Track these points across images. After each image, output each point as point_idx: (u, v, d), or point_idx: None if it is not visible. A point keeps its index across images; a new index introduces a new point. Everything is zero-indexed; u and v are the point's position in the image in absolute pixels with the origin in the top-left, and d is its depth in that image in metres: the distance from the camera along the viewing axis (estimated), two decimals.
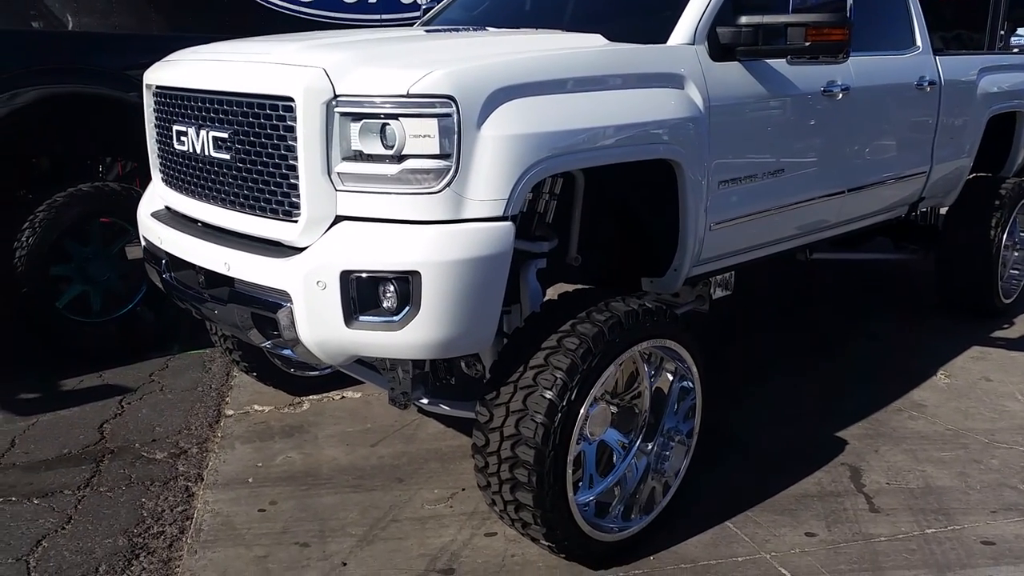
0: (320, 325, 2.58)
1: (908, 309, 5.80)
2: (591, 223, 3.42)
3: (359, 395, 4.41)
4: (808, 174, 3.83)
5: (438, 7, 4.75)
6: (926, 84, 4.56)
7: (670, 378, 3.23)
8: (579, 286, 3.23)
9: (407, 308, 2.51)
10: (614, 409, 3.11)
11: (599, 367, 2.75)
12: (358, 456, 3.81)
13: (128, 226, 4.74)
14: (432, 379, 3.29)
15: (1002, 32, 7.21)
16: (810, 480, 3.59)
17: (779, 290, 6.29)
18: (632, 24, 3.66)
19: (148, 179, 3.46)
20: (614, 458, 3.23)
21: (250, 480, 3.61)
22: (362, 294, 2.53)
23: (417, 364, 3.19)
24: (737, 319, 5.54)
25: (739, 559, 3.06)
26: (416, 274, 2.47)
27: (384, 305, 2.55)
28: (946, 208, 5.45)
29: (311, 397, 4.40)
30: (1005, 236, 5.38)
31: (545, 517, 2.75)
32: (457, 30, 3.70)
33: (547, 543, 2.86)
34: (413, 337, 2.53)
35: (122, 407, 4.33)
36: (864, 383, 4.55)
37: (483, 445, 2.79)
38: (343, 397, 4.42)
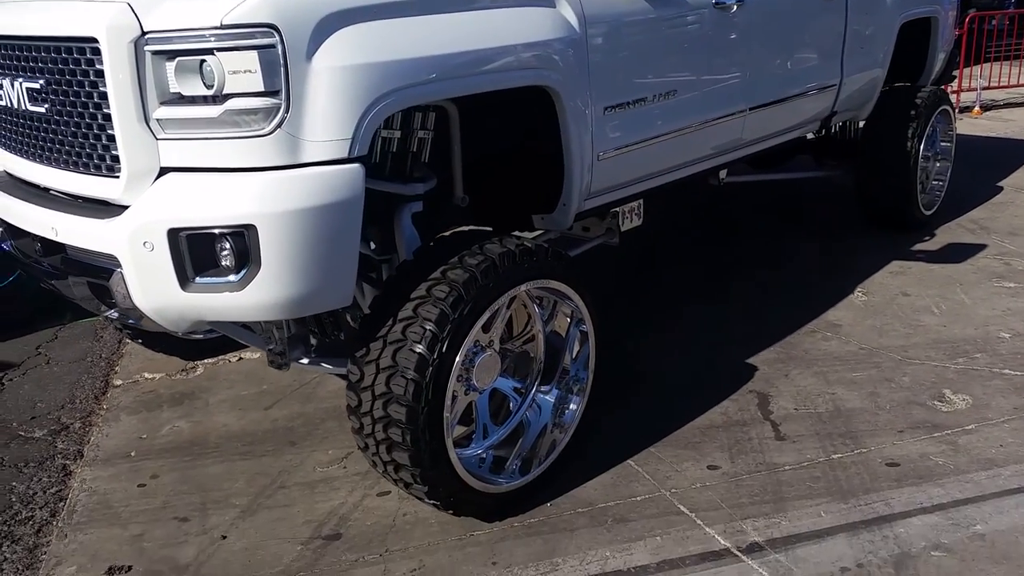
0: (154, 291, 2.35)
1: (829, 228, 5.69)
2: (474, 160, 3.19)
3: (257, 355, 4.19)
4: (704, 94, 3.63)
5: None
6: None
7: (567, 321, 3.07)
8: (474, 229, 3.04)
9: (246, 266, 2.29)
10: (509, 354, 2.95)
11: (473, 314, 2.57)
12: (250, 421, 3.61)
13: None
14: (319, 336, 3.09)
15: None
16: (716, 411, 3.49)
17: (693, 217, 6.14)
18: None
19: None
20: (510, 405, 3.09)
21: (132, 454, 3.41)
22: (195, 253, 2.30)
23: (295, 322, 2.98)
24: (650, 249, 5.39)
25: (638, 499, 2.95)
26: (251, 228, 2.24)
27: (222, 264, 2.32)
28: (863, 121, 5.31)
29: (206, 361, 4.18)
30: (923, 146, 5.27)
31: (425, 476, 2.60)
32: None
33: (432, 501, 2.71)
34: (257, 298, 2.32)
35: (2, 384, 4.06)
36: (778, 307, 4.45)
37: (356, 406, 2.61)
38: (240, 359, 4.20)
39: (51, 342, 4.51)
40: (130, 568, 2.74)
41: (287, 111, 2.23)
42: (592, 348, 3.07)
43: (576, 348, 3.09)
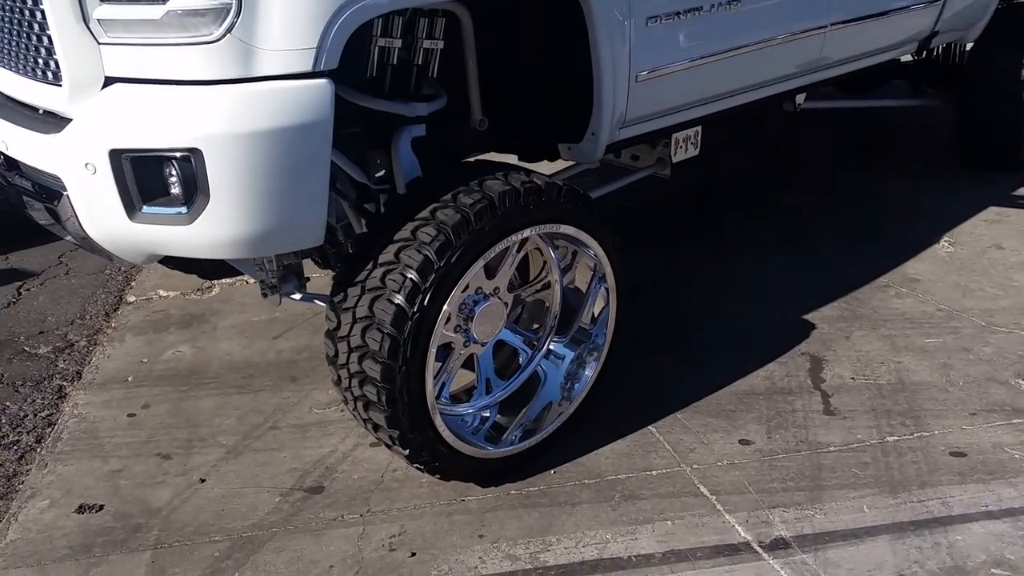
0: (101, 219, 2.08)
1: (919, 166, 5.05)
2: (495, 77, 2.78)
3: None
4: (775, 5, 3.10)
5: None
6: None
7: (590, 274, 2.70)
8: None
9: (195, 197, 1.99)
10: (522, 303, 2.62)
11: (463, 262, 2.22)
12: (255, 351, 3.40)
13: None
14: (323, 266, 2.82)
15: None
16: (760, 374, 3.09)
17: (760, 147, 5.52)
18: None
19: None
20: (520, 360, 2.77)
21: (129, 379, 3.24)
22: (142, 178, 2.01)
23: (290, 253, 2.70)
24: (707, 184, 4.87)
25: (653, 473, 2.62)
26: (197, 153, 1.93)
27: (173, 192, 2.03)
28: (970, 44, 4.61)
29: (224, 281, 3.97)
30: None
31: (404, 439, 2.32)
32: None
33: (416, 465, 2.44)
34: (208, 234, 2.02)
35: (19, 294, 3.95)
36: (850, 254, 3.94)
37: (333, 356, 2.33)
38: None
39: (74, 251, 4.36)
40: (101, 508, 2.58)
41: (238, 13, 1.87)
42: (613, 308, 2.69)
43: (598, 306, 2.72)
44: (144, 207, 2.04)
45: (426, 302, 2.17)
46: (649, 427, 2.82)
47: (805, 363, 3.16)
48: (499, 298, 2.52)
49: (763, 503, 2.48)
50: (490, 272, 2.48)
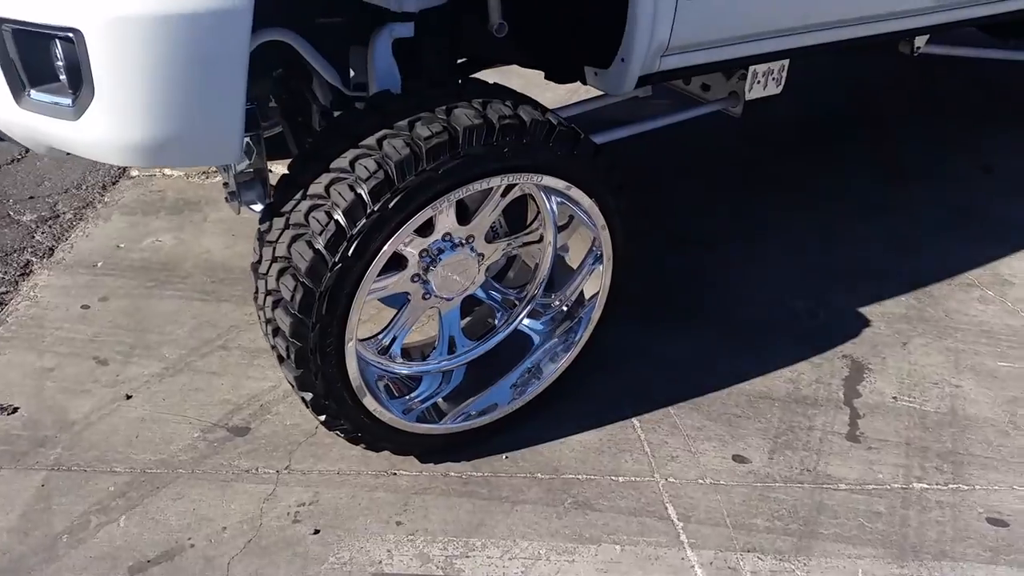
0: None
1: None
2: None
3: None
4: None
5: None
6: None
7: (587, 247, 2.26)
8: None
9: (81, 88, 1.63)
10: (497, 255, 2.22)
11: (404, 209, 1.81)
12: (235, 253, 3.10)
13: None
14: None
15: None
16: (783, 373, 2.61)
17: (854, 95, 4.72)
18: None
19: None
20: (495, 320, 2.39)
21: (99, 264, 3.01)
22: (27, 57, 1.67)
23: (256, 156, 2.35)
24: (780, 131, 4.21)
25: (619, 479, 2.23)
26: (78, 34, 1.56)
27: (61, 79, 1.67)
28: None
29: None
30: None
31: (318, 403, 1.98)
32: None
33: (335, 432, 2.11)
34: (95, 134, 1.67)
35: (24, 153, 3.75)
36: (937, 239, 3.32)
37: (254, 293, 1.99)
38: (271, 172, 3.64)
39: None
40: (15, 410, 2.38)
41: None
42: (603, 294, 2.25)
43: (589, 289, 2.29)
44: (32, 92, 1.70)
45: (350, 252, 1.78)
46: (632, 419, 2.41)
47: (843, 368, 2.65)
48: (472, 248, 2.11)
49: (737, 543, 2.06)
50: (465, 215, 2.08)
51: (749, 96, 2.82)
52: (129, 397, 2.44)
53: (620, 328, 2.65)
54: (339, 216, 1.77)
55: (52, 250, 3.09)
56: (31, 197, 3.43)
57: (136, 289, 2.89)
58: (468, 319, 2.41)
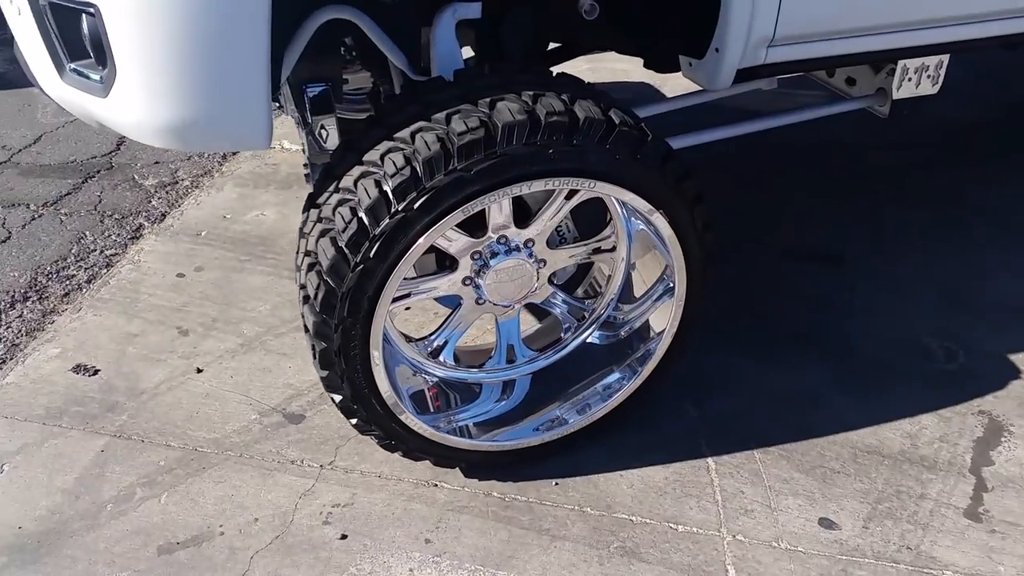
0: (41, 71, 1.76)
1: None
2: None
3: None
4: None
5: None
6: None
7: (658, 272, 2.01)
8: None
9: (106, 64, 1.58)
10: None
11: (429, 211, 1.63)
12: None
13: None
14: None
15: None
16: (901, 426, 2.23)
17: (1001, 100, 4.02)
18: None
19: None
20: (563, 333, 2.18)
21: (202, 234, 3.07)
22: (63, 30, 1.64)
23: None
24: (932, 136, 3.64)
25: (678, 528, 1.97)
26: (95, 8, 1.50)
27: (91, 55, 1.64)
28: None
29: None
30: None
31: (346, 405, 1.87)
32: None
33: (370, 438, 1.99)
34: (122, 112, 1.62)
35: None
36: None
37: (296, 280, 1.90)
38: None
39: None
40: (96, 372, 2.45)
41: None
42: (670, 333, 1.98)
43: (657, 324, 2.03)
44: (71, 65, 1.67)
45: (372, 253, 1.64)
46: (708, 459, 2.13)
47: (976, 427, 2.23)
48: (530, 253, 1.91)
49: None
50: (525, 216, 1.88)
51: (897, 95, 2.47)
52: (200, 371, 2.44)
53: (713, 347, 2.37)
54: (363, 214, 1.63)
55: (164, 216, 3.18)
56: (156, 162, 3.55)
57: (230, 262, 2.91)
58: (536, 328, 2.23)
